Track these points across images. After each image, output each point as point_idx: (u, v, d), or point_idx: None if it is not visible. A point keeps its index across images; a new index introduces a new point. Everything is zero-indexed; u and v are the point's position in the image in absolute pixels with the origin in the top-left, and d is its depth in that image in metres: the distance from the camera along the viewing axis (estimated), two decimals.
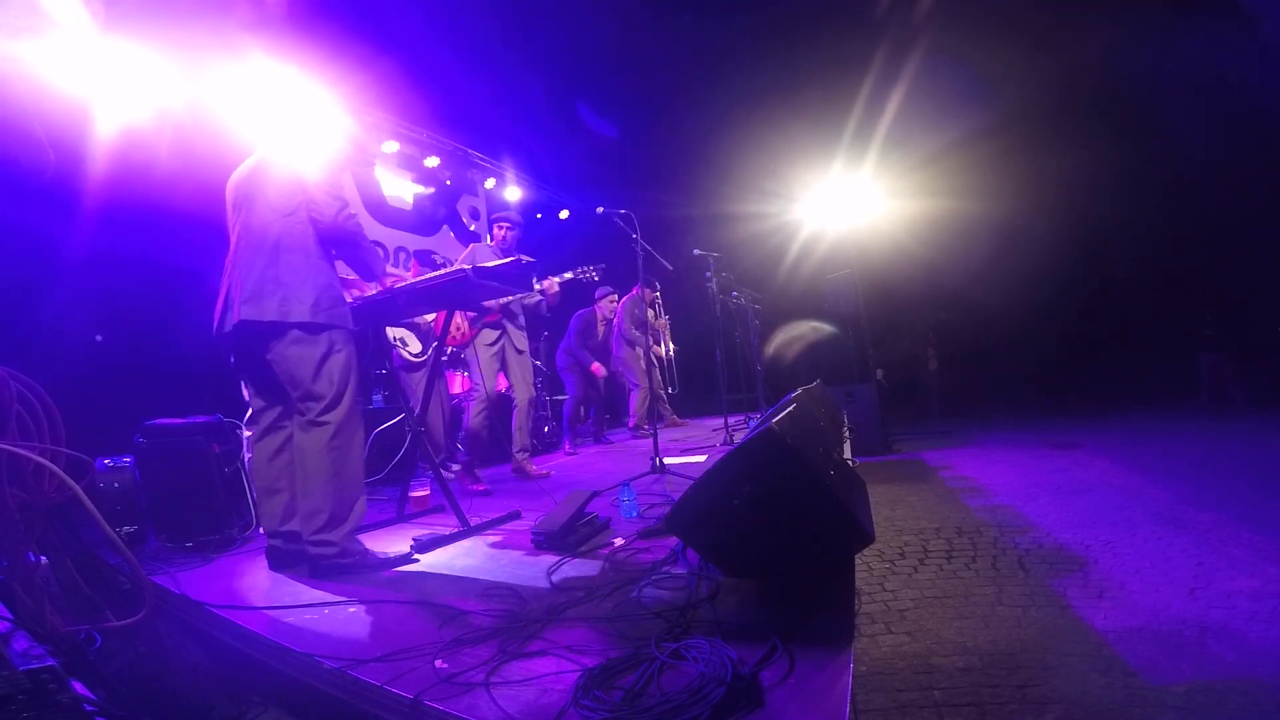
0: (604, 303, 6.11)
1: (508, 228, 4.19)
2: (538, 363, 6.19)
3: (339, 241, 2.27)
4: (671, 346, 6.51)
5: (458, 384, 5.19)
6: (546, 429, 6.29)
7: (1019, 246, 12.29)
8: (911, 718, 1.86)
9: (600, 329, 6.05)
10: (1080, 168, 11.81)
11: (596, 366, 5.84)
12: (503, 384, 4.22)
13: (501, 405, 4.25)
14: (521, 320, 4.17)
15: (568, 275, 4.36)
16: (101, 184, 3.87)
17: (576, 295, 5.38)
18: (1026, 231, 12.31)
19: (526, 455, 4.21)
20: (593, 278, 4.48)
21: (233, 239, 2.28)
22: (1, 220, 2.99)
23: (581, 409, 6.13)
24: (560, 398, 6.47)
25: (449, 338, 4.13)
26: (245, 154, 2.40)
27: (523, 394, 4.09)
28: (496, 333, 3.99)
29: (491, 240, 4.24)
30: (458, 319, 4.01)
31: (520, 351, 4.10)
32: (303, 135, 2.40)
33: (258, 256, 2.14)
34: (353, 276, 2.60)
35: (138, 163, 4.13)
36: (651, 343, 6.07)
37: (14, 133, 1.76)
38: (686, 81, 10.84)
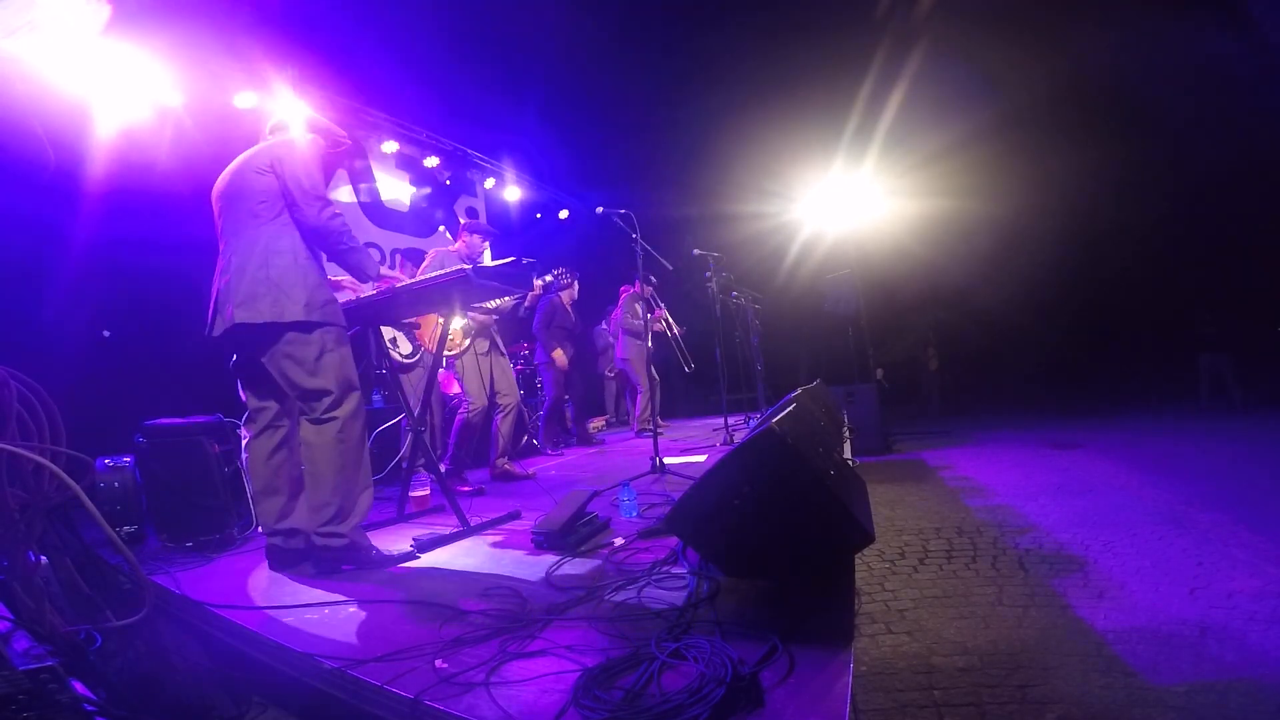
0: (565, 293, 5.72)
1: (485, 240, 4.08)
2: (519, 366, 6.09)
3: (325, 243, 2.26)
4: (677, 327, 6.36)
5: (455, 386, 5.15)
6: (526, 437, 5.89)
7: (1020, 246, 12.29)
8: (911, 718, 1.86)
9: (569, 311, 5.73)
10: (1081, 168, 11.80)
11: (558, 355, 5.46)
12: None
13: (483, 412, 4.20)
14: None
15: (548, 278, 4.31)
16: (101, 184, 3.87)
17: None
18: (1027, 231, 12.31)
19: (507, 459, 4.20)
20: (564, 280, 4.44)
21: (221, 244, 2.27)
22: (2, 221, 2.99)
23: (560, 408, 5.96)
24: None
25: (450, 344, 4.12)
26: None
27: (510, 398, 4.06)
28: (487, 341, 3.97)
29: (460, 244, 4.08)
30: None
31: (503, 355, 4.09)
32: (290, 136, 2.39)
33: (248, 260, 2.14)
34: (343, 277, 2.56)
35: (137, 163, 4.13)
36: (655, 323, 5.97)
37: (14, 132, 1.76)
38: (686, 81, 10.86)
